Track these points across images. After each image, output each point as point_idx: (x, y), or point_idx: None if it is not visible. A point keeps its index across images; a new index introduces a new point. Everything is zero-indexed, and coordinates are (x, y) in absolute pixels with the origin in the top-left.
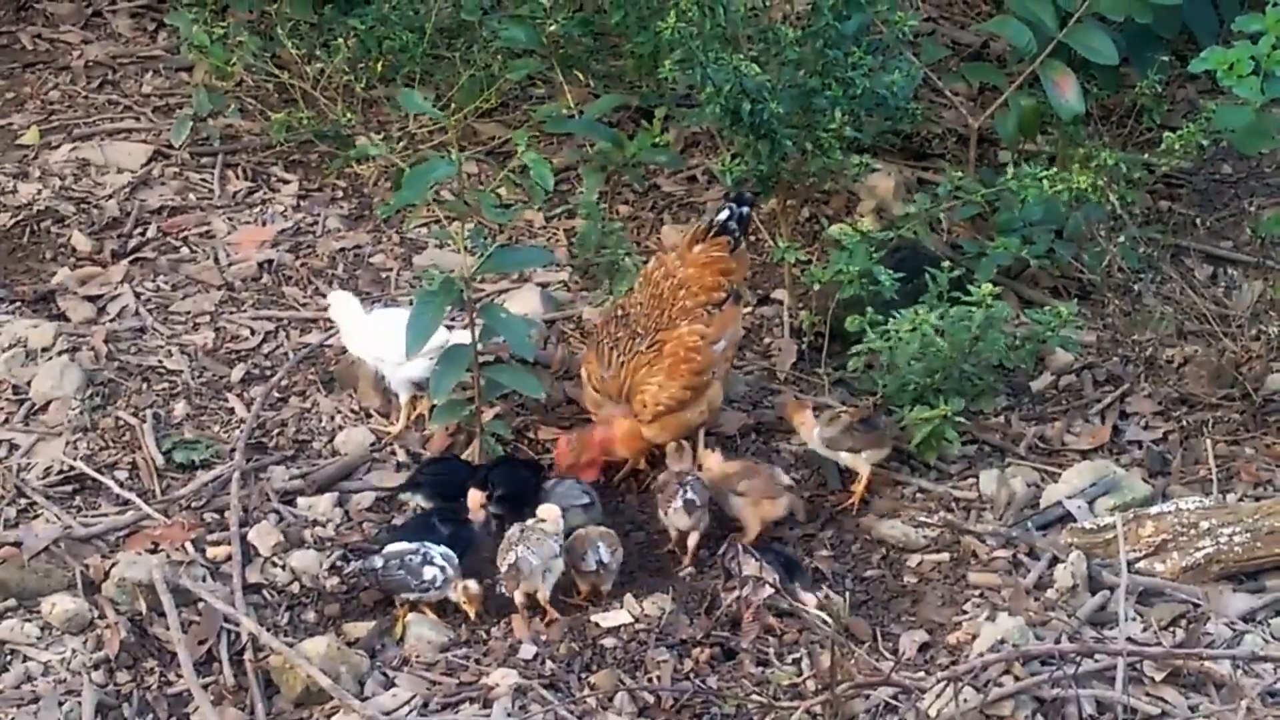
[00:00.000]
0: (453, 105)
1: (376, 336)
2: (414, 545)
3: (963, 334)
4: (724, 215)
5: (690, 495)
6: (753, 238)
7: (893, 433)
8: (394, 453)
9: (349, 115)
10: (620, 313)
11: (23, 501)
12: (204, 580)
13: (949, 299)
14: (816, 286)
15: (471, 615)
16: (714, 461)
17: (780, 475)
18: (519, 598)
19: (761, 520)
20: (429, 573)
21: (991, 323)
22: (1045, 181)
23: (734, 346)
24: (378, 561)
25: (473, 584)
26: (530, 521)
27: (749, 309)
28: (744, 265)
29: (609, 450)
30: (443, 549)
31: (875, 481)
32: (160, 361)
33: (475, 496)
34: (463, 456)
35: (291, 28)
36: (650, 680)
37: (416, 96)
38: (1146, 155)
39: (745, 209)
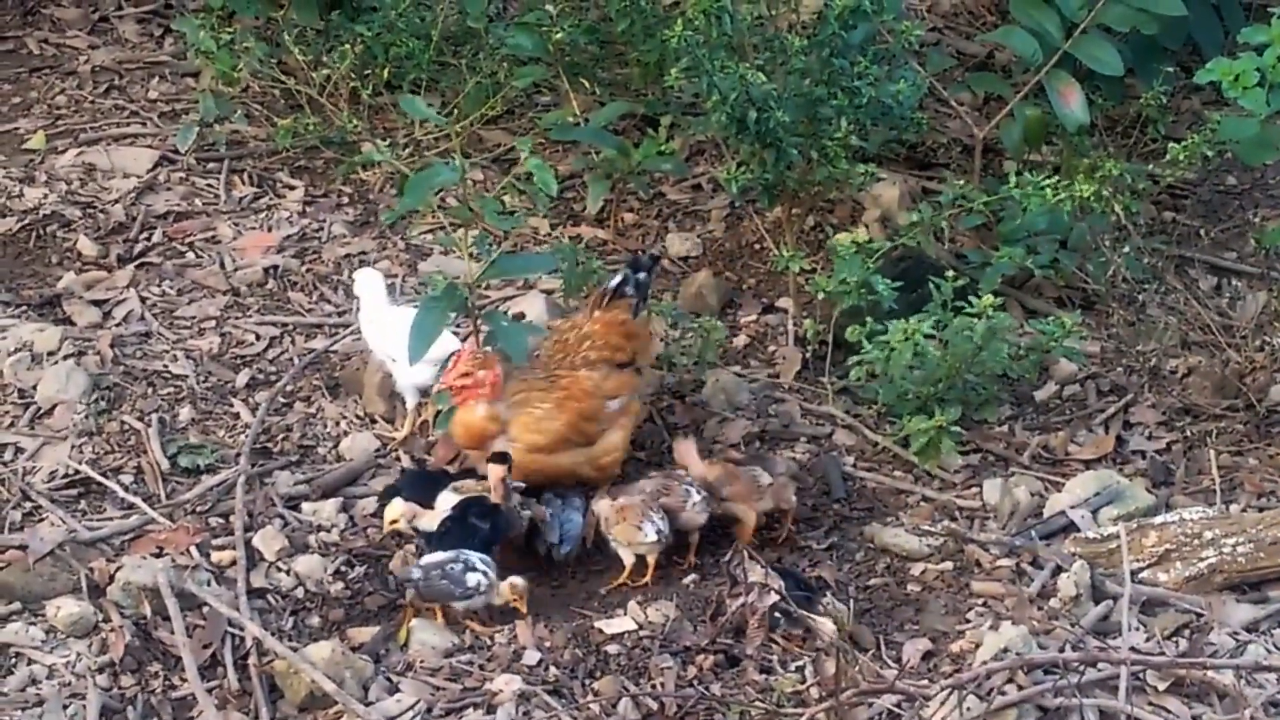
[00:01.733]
0: (458, 112)
1: (393, 334)
2: (451, 554)
3: (965, 344)
4: (617, 280)
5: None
6: (758, 245)
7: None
8: (399, 459)
9: (355, 121)
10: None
11: (28, 505)
12: (208, 585)
13: (953, 309)
14: (821, 295)
15: (524, 610)
16: (695, 466)
17: (762, 475)
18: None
19: (748, 524)
20: (473, 579)
21: (994, 333)
22: (1049, 191)
23: (630, 418)
24: (415, 573)
25: (518, 580)
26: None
27: (754, 318)
28: (647, 335)
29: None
30: (480, 555)
31: (879, 490)
32: (165, 366)
33: (496, 470)
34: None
35: (298, 34)
36: (654, 687)
37: (419, 102)
38: (1151, 166)
39: (643, 274)
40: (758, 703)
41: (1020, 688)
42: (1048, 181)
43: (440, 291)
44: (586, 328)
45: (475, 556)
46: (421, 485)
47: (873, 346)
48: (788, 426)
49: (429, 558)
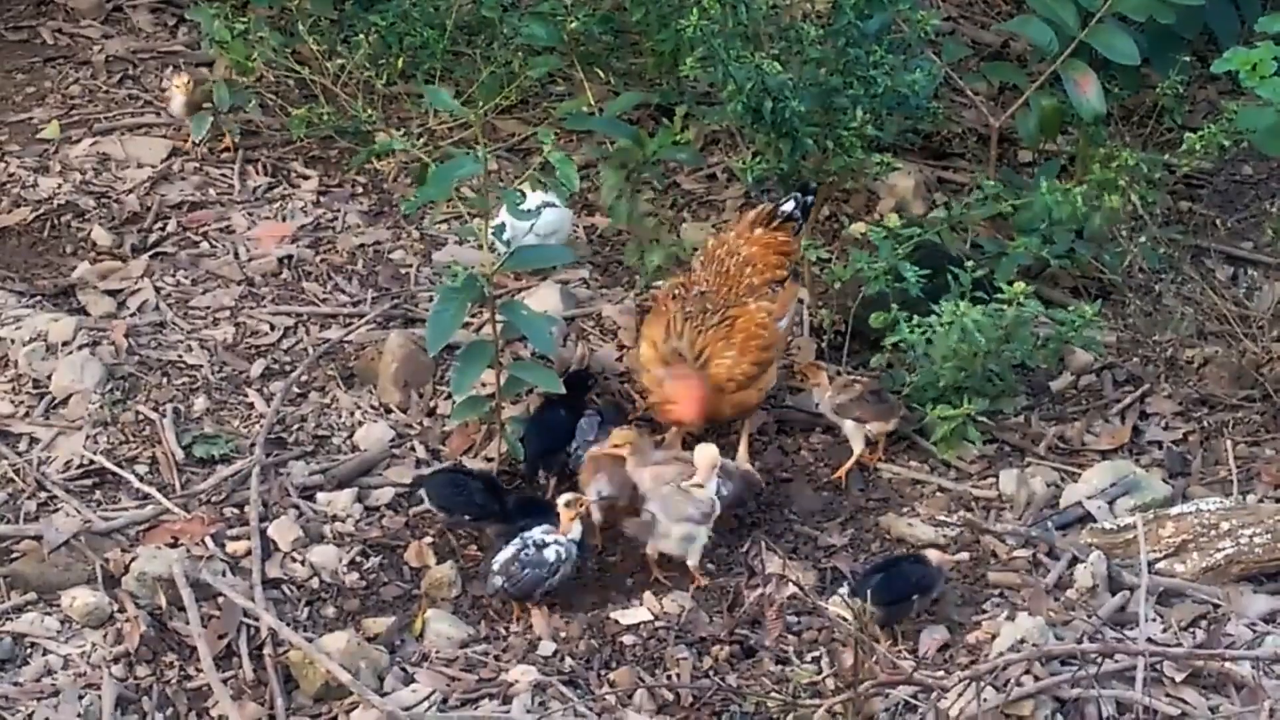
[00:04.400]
0: (473, 102)
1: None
2: (516, 544)
3: (993, 332)
4: (789, 205)
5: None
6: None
7: (900, 410)
8: (413, 449)
9: (369, 111)
10: (684, 288)
11: (43, 495)
12: (223, 575)
13: (970, 298)
14: (837, 285)
15: (595, 514)
16: (642, 472)
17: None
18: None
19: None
20: (551, 554)
21: (1022, 321)
22: (1079, 198)
23: (793, 324)
24: (498, 580)
25: (568, 495)
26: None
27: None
28: (798, 247)
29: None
30: (542, 525)
31: (895, 480)
32: (180, 356)
33: (567, 513)
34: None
35: (312, 23)
36: (669, 678)
37: (443, 93)
38: (1167, 156)
39: (809, 198)
40: (774, 694)
41: (1037, 679)
42: (1079, 190)
43: (460, 282)
44: (744, 250)
45: (537, 533)
46: (447, 484)
47: (910, 330)
48: (800, 374)
49: (499, 558)
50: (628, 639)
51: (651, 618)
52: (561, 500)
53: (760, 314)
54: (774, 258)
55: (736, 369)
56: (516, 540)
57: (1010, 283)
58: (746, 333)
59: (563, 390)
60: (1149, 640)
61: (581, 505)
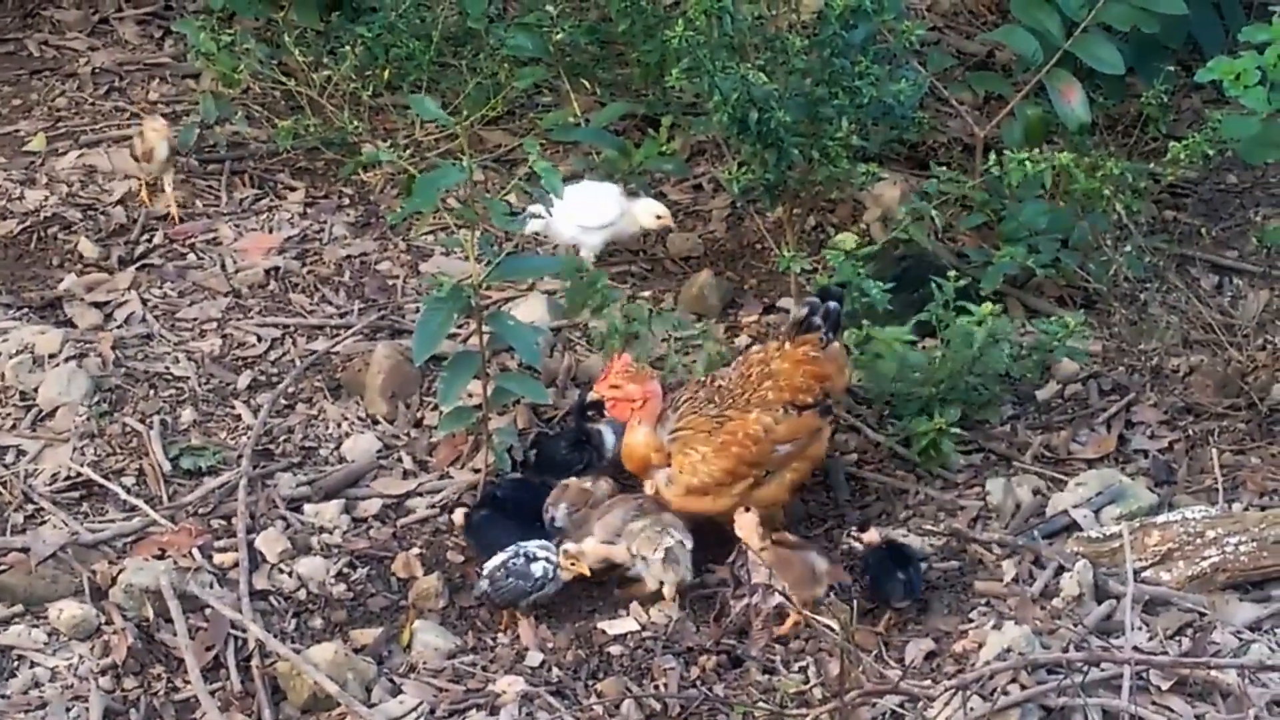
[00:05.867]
0: (460, 113)
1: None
2: (509, 551)
3: (964, 349)
4: (804, 311)
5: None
6: (759, 246)
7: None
8: (400, 460)
9: (356, 123)
10: (709, 381)
11: (30, 507)
12: (211, 587)
13: (955, 309)
14: None
15: (586, 571)
16: (754, 543)
17: (818, 560)
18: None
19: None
20: (538, 569)
21: (994, 338)
22: (1029, 164)
23: (805, 464)
24: (483, 584)
25: (570, 545)
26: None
27: (755, 318)
28: (836, 369)
29: (647, 405)
30: (537, 542)
31: (882, 490)
32: (167, 368)
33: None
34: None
35: (298, 35)
36: (657, 688)
37: (429, 102)
38: (1152, 165)
39: (833, 303)
40: (761, 704)
41: (1023, 687)
42: (1025, 156)
43: (446, 293)
44: (774, 364)
45: (532, 545)
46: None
47: (862, 353)
48: None
49: (489, 563)
50: (615, 649)
51: (638, 628)
52: (561, 550)
53: (755, 426)
54: (800, 380)
55: (702, 466)
56: (511, 548)
57: (987, 298)
58: (731, 437)
59: (548, 401)
60: (1135, 649)
61: (574, 563)
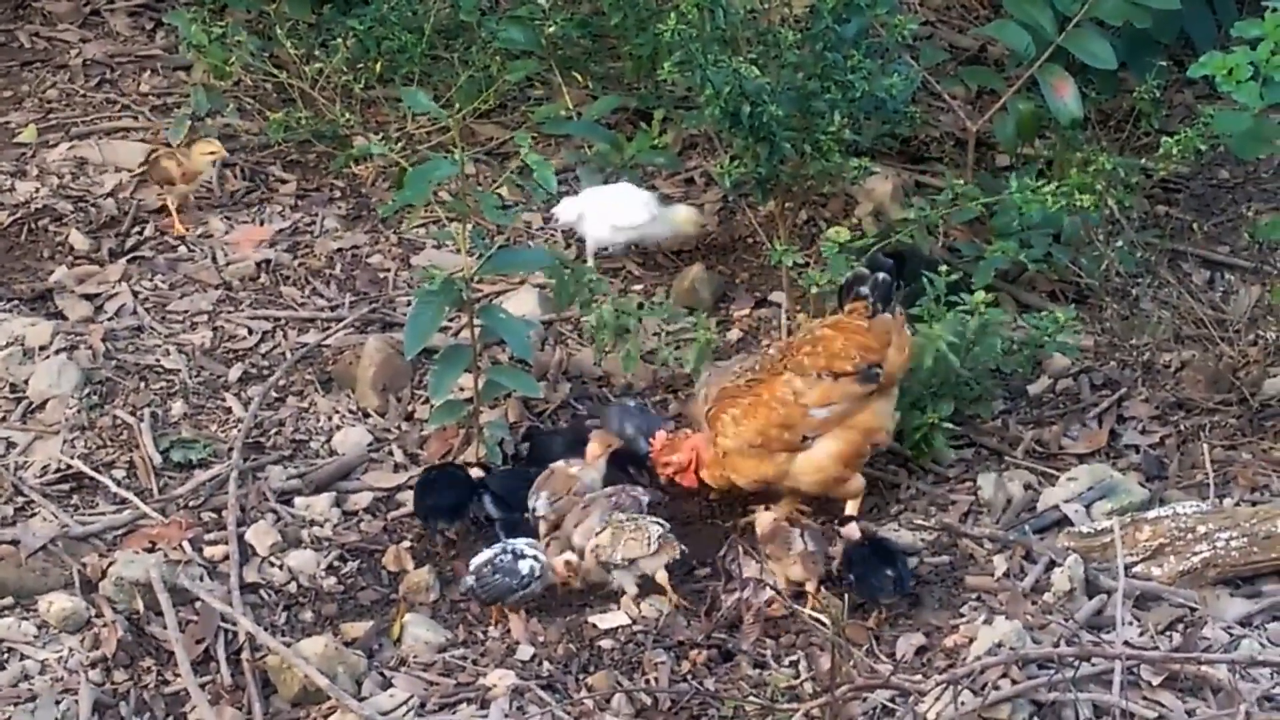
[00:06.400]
0: (451, 106)
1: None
2: (496, 548)
3: (957, 340)
4: (848, 277)
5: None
6: (751, 239)
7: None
8: (391, 453)
9: (347, 115)
10: (765, 349)
11: (20, 500)
12: (201, 579)
13: (946, 303)
14: (814, 290)
15: (577, 584)
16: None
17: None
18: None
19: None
20: (525, 566)
21: (986, 329)
22: (1049, 196)
23: (855, 434)
24: (469, 580)
25: (571, 556)
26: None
27: (746, 312)
28: (886, 342)
29: (699, 459)
30: (525, 540)
31: (873, 484)
32: (158, 360)
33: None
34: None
35: (290, 27)
36: (648, 682)
37: (421, 95)
38: (1144, 160)
39: (882, 274)
40: (752, 698)
41: (1014, 682)
42: (1048, 189)
43: (437, 286)
44: (818, 330)
45: (520, 543)
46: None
47: None
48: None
49: (476, 559)
50: (605, 643)
51: (629, 622)
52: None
53: (784, 388)
54: (839, 346)
55: (733, 428)
56: (499, 544)
57: (972, 290)
58: (758, 399)
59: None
60: (1126, 644)
61: (573, 575)
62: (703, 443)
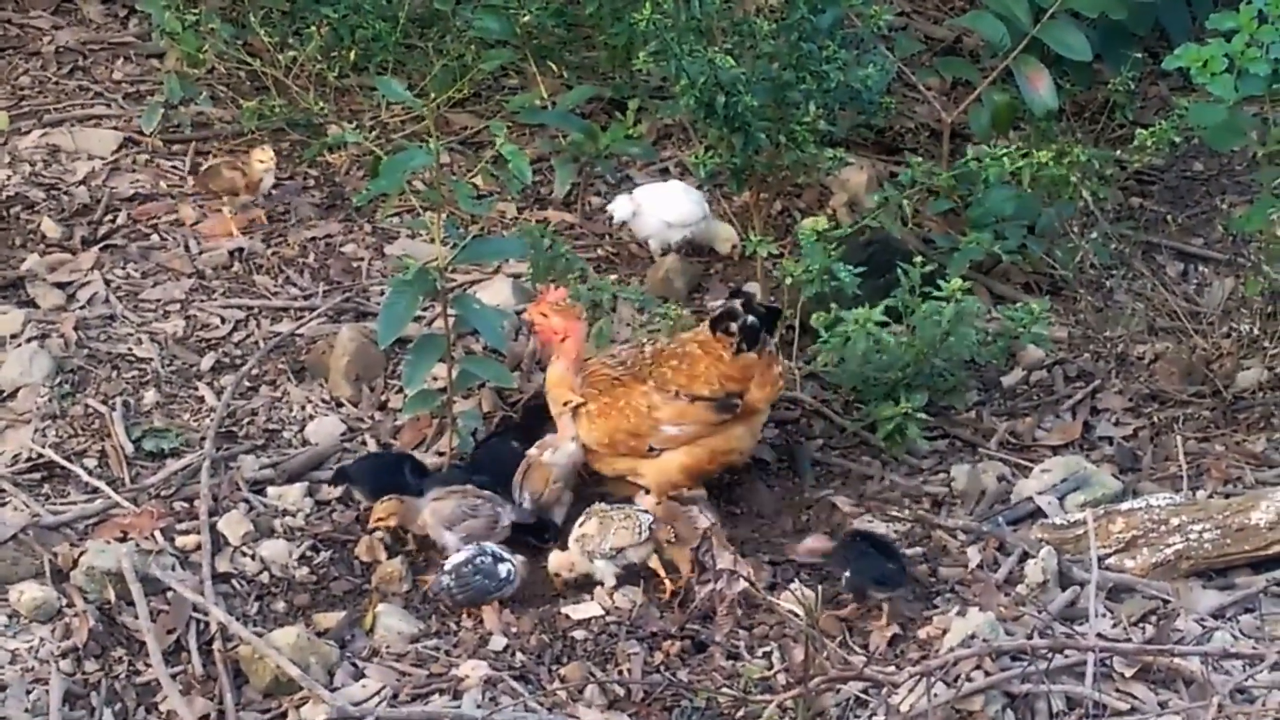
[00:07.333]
0: (426, 95)
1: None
2: (472, 550)
3: (932, 329)
4: (718, 308)
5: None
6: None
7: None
8: (364, 443)
9: (321, 104)
10: (640, 344)
11: None
12: (173, 569)
13: (921, 294)
14: (788, 280)
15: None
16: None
17: (699, 517)
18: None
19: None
20: (503, 569)
21: (961, 318)
22: (1006, 160)
23: (705, 453)
24: (445, 580)
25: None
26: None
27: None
28: (748, 380)
29: (563, 347)
30: (498, 544)
31: (849, 477)
32: (130, 349)
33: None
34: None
35: (264, 15)
36: (620, 673)
37: (395, 83)
38: (1119, 152)
39: (752, 318)
40: (725, 689)
41: (987, 674)
42: (1004, 151)
43: (411, 276)
44: (689, 347)
45: (493, 546)
46: (376, 470)
47: (830, 335)
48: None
49: (452, 560)
50: (579, 634)
51: (602, 613)
52: (553, 574)
53: (641, 400)
54: (701, 370)
55: (588, 424)
56: (474, 546)
57: (946, 281)
58: (613, 403)
59: (514, 385)
60: (1099, 636)
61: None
62: (577, 336)
